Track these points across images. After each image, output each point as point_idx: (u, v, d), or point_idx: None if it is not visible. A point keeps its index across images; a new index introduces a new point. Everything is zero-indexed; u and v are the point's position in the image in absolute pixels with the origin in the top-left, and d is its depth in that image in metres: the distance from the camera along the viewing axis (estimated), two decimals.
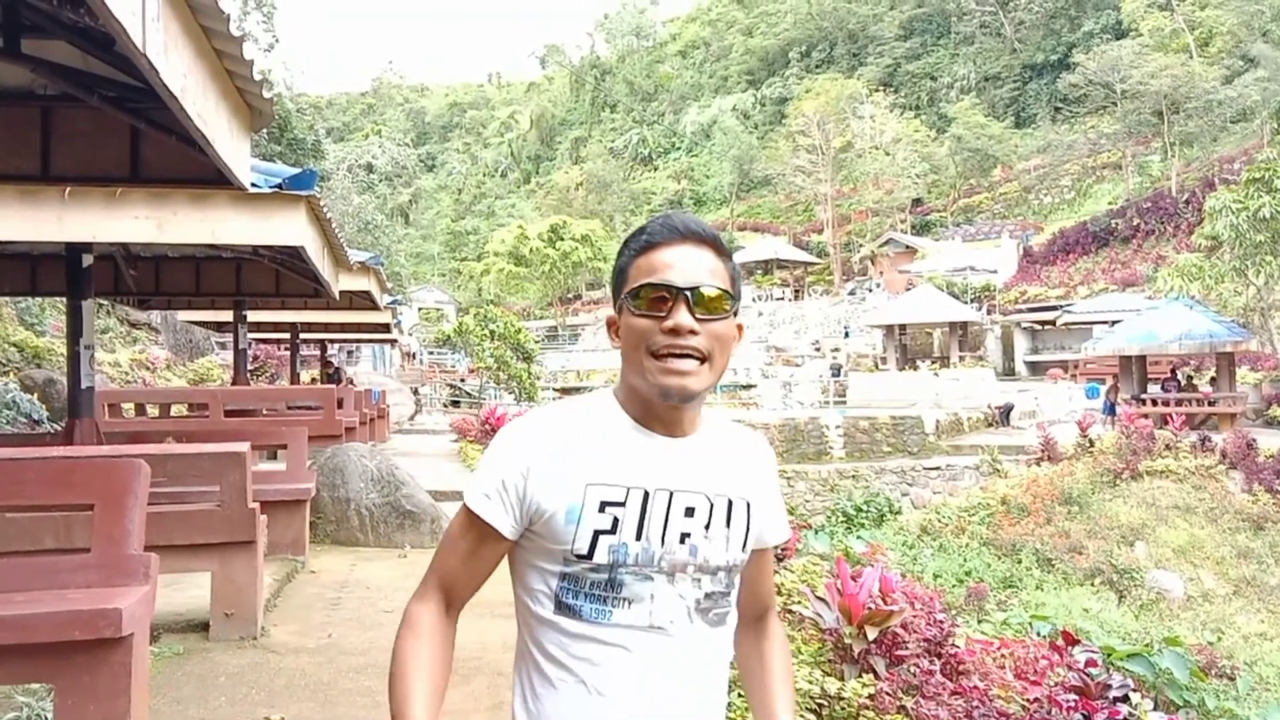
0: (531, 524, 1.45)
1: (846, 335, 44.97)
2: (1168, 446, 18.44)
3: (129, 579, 3.46)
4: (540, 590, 1.47)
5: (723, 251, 1.50)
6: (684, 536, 1.45)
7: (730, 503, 1.51)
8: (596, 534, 1.42)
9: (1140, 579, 14.97)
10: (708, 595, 1.48)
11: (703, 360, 1.43)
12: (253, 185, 4.23)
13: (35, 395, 12.85)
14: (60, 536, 4.41)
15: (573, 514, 1.42)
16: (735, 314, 1.49)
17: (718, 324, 1.44)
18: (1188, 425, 20.19)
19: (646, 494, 1.44)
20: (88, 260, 6.09)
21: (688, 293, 1.42)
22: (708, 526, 1.48)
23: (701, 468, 1.50)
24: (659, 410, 1.48)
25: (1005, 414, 28.03)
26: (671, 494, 1.46)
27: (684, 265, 1.44)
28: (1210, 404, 22.82)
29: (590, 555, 1.42)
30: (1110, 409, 23.88)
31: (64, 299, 6.72)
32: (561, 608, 1.44)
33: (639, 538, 1.43)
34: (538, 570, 1.47)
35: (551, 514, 1.43)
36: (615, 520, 1.42)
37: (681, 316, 1.41)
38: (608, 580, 1.43)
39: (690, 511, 1.46)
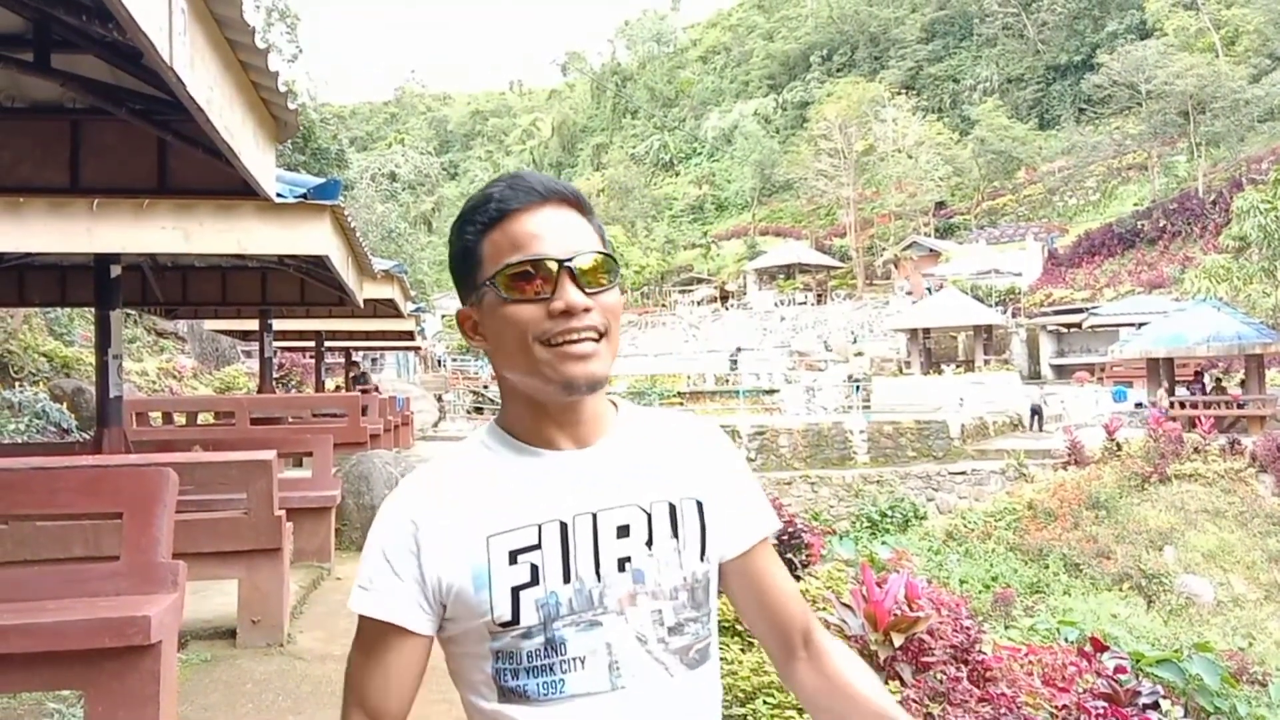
0: (443, 606, 1.19)
1: (855, 340, 44.84)
2: (1196, 450, 18.26)
3: (157, 586, 3.50)
4: (478, 680, 1.20)
5: (587, 210, 1.25)
6: (623, 563, 1.19)
7: (672, 507, 1.24)
8: (515, 591, 1.15)
9: (1169, 584, 14.83)
10: (673, 628, 1.21)
11: (601, 338, 1.19)
12: (278, 195, 4.26)
13: (64, 404, 12.99)
14: (89, 544, 4.46)
15: (480, 578, 1.15)
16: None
17: (607, 295, 1.20)
18: (1216, 428, 19.97)
19: (564, 526, 1.18)
20: (116, 271, 6.16)
21: (569, 264, 1.17)
22: (649, 543, 1.21)
23: (625, 474, 1.23)
24: (558, 416, 1.22)
25: (1036, 414, 27.73)
26: (595, 516, 1.20)
27: (555, 232, 1.19)
28: (1239, 406, 22.56)
29: (516, 619, 1.15)
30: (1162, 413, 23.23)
31: (92, 309, 6.79)
32: (506, 694, 1.17)
33: (568, 580, 1.17)
34: (468, 658, 1.20)
35: (459, 587, 1.16)
36: (534, 568, 1.16)
37: (572, 294, 1.16)
38: (545, 643, 1.15)
39: (624, 530, 1.20)
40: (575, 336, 1.17)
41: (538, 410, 1.22)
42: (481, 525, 1.17)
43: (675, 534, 1.24)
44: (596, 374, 1.18)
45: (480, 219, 1.21)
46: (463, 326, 1.26)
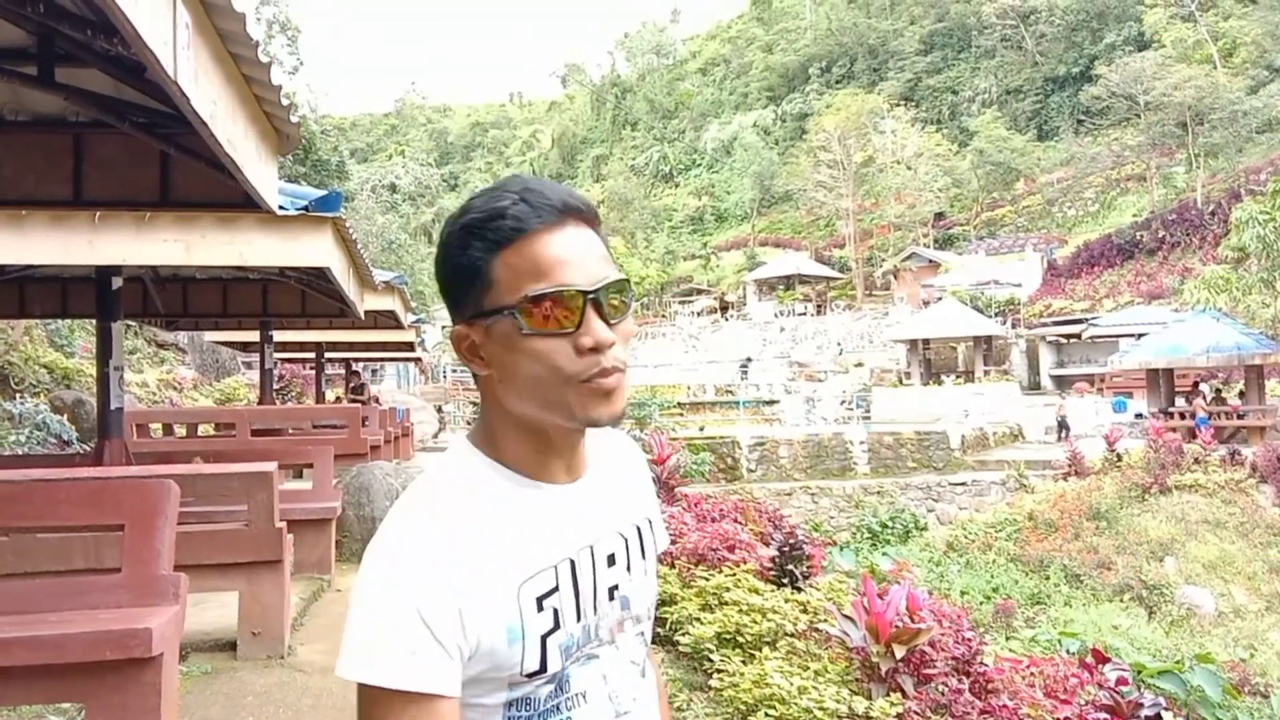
0: (466, 661, 1.06)
1: (841, 352, 44.92)
2: (1196, 460, 18.25)
3: (159, 599, 3.50)
4: None
5: (599, 223, 1.16)
6: (612, 591, 1.18)
7: (638, 529, 1.25)
8: (543, 640, 1.09)
9: (1170, 595, 14.80)
10: (645, 645, 1.24)
11: (622, 372, 1.11)
12: (279, 208, 4.28)
13: (65, 416, 13.00)
14: (90, 557, 4.45)
15: (514, 632, 1.07)
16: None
17: (625, 323, 1.12)
18: (1217, 439, 19.97)
19: (572, 564, 1.13)
20: (117, 283, 6.16)
21: (594, 296, 1.08)
22: (629, 569, 1.21)
23: (606, 502, 1.21)
24: (560, 448, 1.16)
25: (1062, 426, 27.14)
26: (591, 549, 1.16)
27: (578, 258, 1.09)
28: (1239, 417, 22.56)
29: (544, 667, 1.09)
30: (1203, 421, 22.70)
31: (93, 321, 6.80)
32: None
33: (579, 619, 1.13)
34: (474, 709, 1.09)
35: (491, 644, 1.05)
36: (555, 613, 1.10)
37: (598, 329, 1.07)
38: (556, 685, 1.11)
39: (612, 559, 1.19)
40: (601, 373, 1.08)
41: (540, 443, 1.14)
42: (510, 573, 1.08)
43: (644, 555, 1.24)
44: (618, 412, 1.11)
45: (491, 235, 1.08)
46: (458, 346, 1.13)
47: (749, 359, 45.26)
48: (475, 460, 1.15)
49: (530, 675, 1.08)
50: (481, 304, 1.09)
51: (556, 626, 1.10)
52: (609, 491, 1.23)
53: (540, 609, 1.09)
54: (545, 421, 1.12)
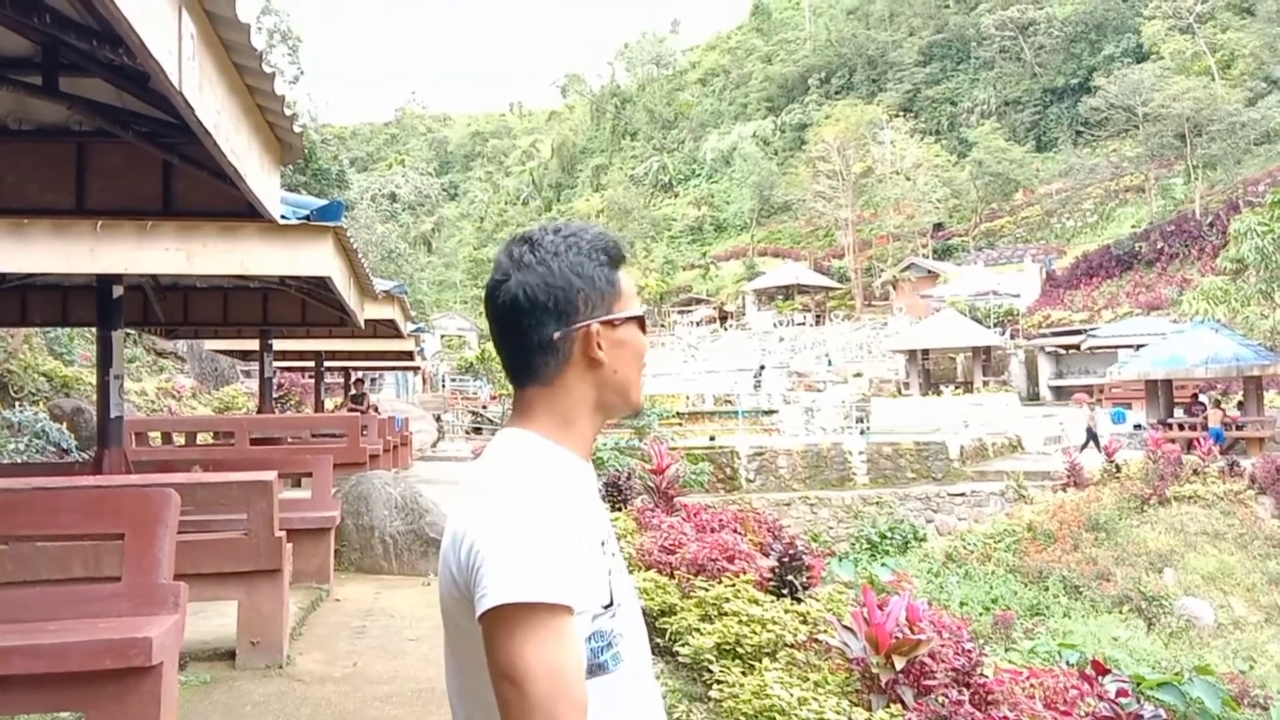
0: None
1: (830, 364, 44.91)
2: (1195, 471, 18.24)
3: (159, 608, 3.50)
4: None
5: None
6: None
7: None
8: (609, 575, 1.33)
9: (1169, 606, 14.78)
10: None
11: None
12: (281, 217, 4.28)
13: (64, 424, 12.99)
14: (90, 565, 4.45)
15: (601, 566, 1.32)
16: None
17: None
18: (1216, 450, 19.96)
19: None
20: (118, 291, 6.17)
21: None
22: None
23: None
24: (596, 433, 1.43)
25: (1092, 437, 25.32)
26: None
27: None
28: (1238, 428, 22.56)
29: (614, 600, 1.31)
30: (1219, 434, 21.88)
31: (93, 329, 6.80)
32: (591, 671, 1.27)
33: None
34: None
35: (594, 576, 1.29)
36: (612, 557, 1.36)
37: None
38: (614, 620, 1.32)
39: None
40: None
41: (595, 428, 1.41)
42: (594, 523, 1.33)
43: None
44: None
45: (616, 255, 1.41)
46: (587, 342, 1.36)
47: (762, 367, 45.16)
48: (545, 441, 1.36)
49: (606, 607, 1.30)
50: (613, 308, 1.39)
51: (612, 570, 1.34)
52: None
53: (604, 551, 1.34)
54: (617, 409, 1.43)
